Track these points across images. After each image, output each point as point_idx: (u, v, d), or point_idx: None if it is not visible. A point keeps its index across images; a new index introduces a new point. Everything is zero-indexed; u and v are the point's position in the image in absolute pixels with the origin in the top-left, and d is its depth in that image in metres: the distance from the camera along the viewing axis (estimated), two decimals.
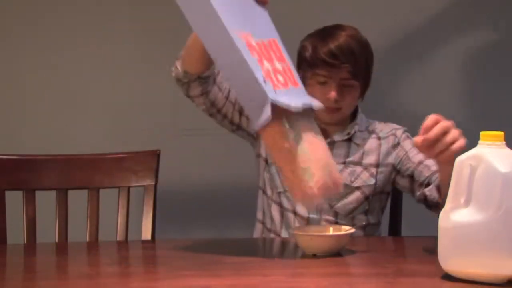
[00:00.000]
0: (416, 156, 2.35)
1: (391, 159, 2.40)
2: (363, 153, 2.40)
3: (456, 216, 1.69)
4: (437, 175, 2.25)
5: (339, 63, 2.31)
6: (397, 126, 2.47)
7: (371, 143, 2.42)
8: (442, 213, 1.74)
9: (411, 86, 3.15)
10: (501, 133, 1.70)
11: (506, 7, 3.14)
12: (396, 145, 2.41)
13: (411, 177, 2.35)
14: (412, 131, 2.51)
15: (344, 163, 2.40)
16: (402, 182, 2.40)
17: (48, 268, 2.06)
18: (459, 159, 1.71)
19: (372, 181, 2.39)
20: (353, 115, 2.47)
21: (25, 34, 3.15)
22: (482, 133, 1.70)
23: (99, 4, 3.15)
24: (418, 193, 2.32)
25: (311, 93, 2.27)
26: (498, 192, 1.64)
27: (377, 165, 2.40)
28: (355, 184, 2.38)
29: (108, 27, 3.15)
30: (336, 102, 2.34)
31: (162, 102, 3.11)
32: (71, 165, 2.50)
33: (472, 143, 1.72)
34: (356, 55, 2.32)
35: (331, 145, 2.40)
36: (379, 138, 2.43)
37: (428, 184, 2.29)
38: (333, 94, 2.32)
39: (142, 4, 3.16)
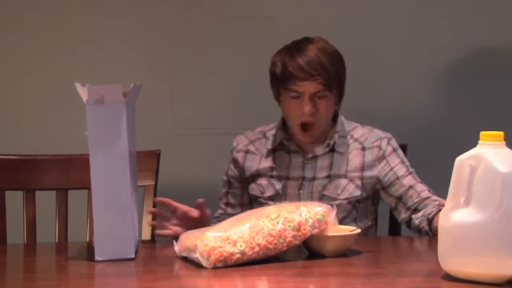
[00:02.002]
0: (406, 179, 2.37)
1: (375, 171, 2.39)
2: (347, 164, 2.39)
3: (456, 216, 1.69)
4: (425, 202, 2.30)
5: (308, 76, 2.29)
6: (382, 135, 2.44)
7: (355, 153, 2.40)
8: (442, 213, 1.74)
9: (409, 86, 3.15)
10: (501, 133, 1.70)
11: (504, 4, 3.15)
12: (381, 158, 2.40)
13: (399, 199, 2.37)
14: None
15: (328, 176, 2.39)
16: (389, 201, 2.41)
17: (48, 268, 2.06)
18: (459, 159, 1.71)
19: (358, 193, 2.38)
20: (333, 121, 2.44)
21: (25, 34, 3.15)
22: (482, 133, 1.70)
23: (99, 4, 3.15)
24: (403, 215, 2.36)
25: (286, 109, 2.35)
26: (498, 192, 1.64)
27: (361, 177, 2.39)
28: (342, 197, 2.38)
29: (108, 27, 3.15)
30: (312, 115, 2.33)
31: (162, 102, 3.11)
32: (71, 165, 2.50)
33: (472, 143, 1.72)
34: (326, 67, 2.30)
35: (314, 159, 2.40)
36: (363, 149, 2.41)
37: (415, 210, 2.32)
38: (307, 108, 2.31)
39: (142, 4, 3.16)
